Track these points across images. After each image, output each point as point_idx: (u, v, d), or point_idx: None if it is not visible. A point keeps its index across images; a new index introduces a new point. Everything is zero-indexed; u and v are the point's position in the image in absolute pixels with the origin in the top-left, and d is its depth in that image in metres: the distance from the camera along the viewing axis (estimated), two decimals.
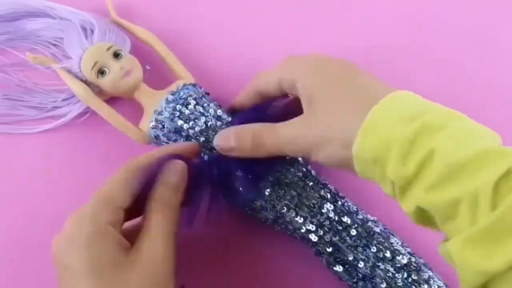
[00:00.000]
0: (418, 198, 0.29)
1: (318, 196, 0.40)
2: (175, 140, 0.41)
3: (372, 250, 0.39)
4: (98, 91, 0.44)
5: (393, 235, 0.41)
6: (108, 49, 0.43)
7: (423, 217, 0.30)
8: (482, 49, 0.52)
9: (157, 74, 0.46)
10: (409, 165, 0.29)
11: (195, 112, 0.41)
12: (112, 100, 0.45)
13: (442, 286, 0.39)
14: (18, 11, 0.48)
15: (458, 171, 0.27)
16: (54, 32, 0.47)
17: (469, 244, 0.25)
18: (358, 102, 0.32)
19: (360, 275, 0.39)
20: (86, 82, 0.44)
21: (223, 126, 0.41)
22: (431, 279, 0.39)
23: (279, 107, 0.40)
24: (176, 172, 0.36)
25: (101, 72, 0.43)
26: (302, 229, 0.39)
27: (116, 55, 0.43)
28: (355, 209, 0.41)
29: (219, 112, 0.42)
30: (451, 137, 0.28)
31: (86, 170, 0.45)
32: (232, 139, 0.37)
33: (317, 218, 0.39)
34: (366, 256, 0.39)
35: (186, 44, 0.49)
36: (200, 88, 0.43)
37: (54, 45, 0.47)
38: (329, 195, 0.41)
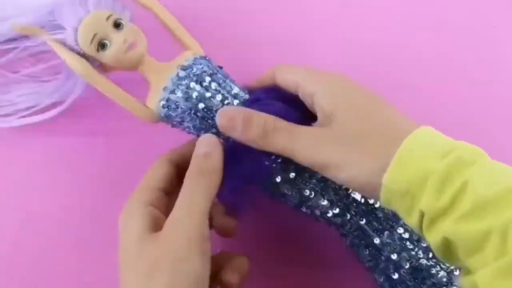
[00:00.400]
0: (447, 229, 0.29)
1: None
2: (190, 121, 0.38)
3: (398, 232, 0.38)
4: (98, 65, 0.39)
5: None
6: (107, 18, 0.38)
7: (447, 249, 0.30)
8: (482, 49, 0.52)
9: (159, 45, 0.42)
10: (444, 197, 0.29)
11: (211, 90, 0.37)
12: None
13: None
14: None
15: (490, 204, 0.27)
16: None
17: (500, 276, 0.26)
18: (386, 134, 0.32)
19: (383, 257, 0.38)
20: (83, 55, 0.39)
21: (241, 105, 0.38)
22: None
23: None
24: (204, 143, 0.36)
25: (102, 45, 0.38)
26: (329, 213, 0.38)
27: (117, 25, 0.38)
28: None
29: (236, 89, 0.39)
30: (484, 171, 0.29)
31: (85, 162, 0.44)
32: (239, 121, 0.35)
33: (343, 201, 0.38)
34: (391, 240, 0.38)
35: (191, 11, 0.45)
36: (212, 62, 0.40)
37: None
38: None
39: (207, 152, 0.35)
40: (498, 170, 0.29)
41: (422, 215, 0.30)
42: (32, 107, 0.43)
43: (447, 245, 0.30)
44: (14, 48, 0.42)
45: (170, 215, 0.33)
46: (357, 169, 0.32)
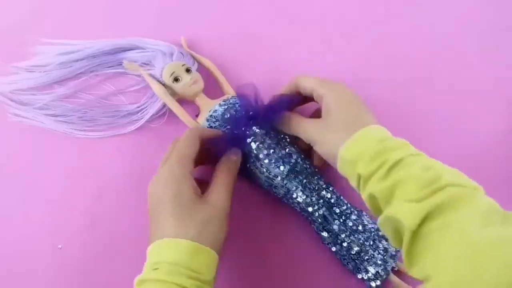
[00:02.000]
0: (371, 188, 0.45)
1: (318, 184, 0.57)
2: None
3: (349, 224, 0.56)
4: (170, 93, 0.62)
5: (364, 215, 0.58)
6: (182, 65, 0.61)
7: (374, 203, 0.46)
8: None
9: (211, 90, 0.64)
10: (372, 166, 0.45)
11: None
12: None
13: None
14: (117, 46, 0.66)
15: (395, 166, 0.44)
16: (145, 57, 0.65)
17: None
18: (353, 125, 0.49)
19: (339, 240, 0.56)
20: (163, 85, 0.62)
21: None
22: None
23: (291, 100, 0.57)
24: (235, 154, 0.55)
25: (176, 79, 0.61)
26: (303, 203, 0.56)
27: (187, 70, 0.61)
28: (343, 200, 0.58)
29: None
30: (400, 153, 0.45)
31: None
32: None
33: (315, 197, 0.56)
34: (345, 227, 0.56)
35: (232, 71, 0.67)
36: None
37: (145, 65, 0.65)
38: (324, 185, 0.58)
39: (237, 158, 0.55)
40: (406, 149, 0.45)
41: (359, 178, 0.46)
42: (112, 123, 0.64)
43: (374, 200, 0.45)
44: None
45: (214, 188, 0.51)
46: (329, 144, 0.50)
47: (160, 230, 0.47)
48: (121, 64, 0.65)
